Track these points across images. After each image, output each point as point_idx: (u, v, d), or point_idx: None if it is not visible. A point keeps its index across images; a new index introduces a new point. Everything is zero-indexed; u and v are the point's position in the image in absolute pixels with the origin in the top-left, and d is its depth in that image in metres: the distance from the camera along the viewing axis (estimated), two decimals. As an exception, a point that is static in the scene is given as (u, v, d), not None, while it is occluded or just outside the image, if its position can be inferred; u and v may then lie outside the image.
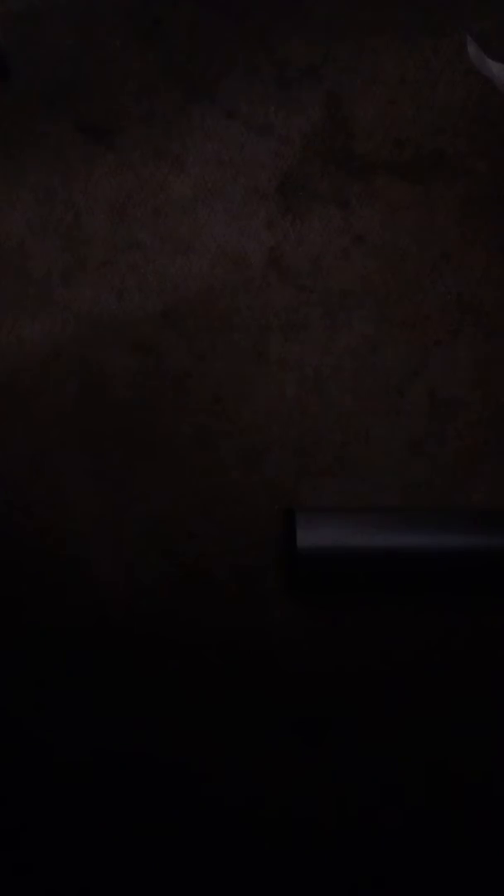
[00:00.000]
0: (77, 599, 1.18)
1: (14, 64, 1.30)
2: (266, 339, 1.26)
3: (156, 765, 1.16)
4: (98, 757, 1.15)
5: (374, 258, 1.29)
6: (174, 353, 1.25)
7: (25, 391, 1.23)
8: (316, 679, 1.18)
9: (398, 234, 1.30)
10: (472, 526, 1.19)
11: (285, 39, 1.33)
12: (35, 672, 1.16)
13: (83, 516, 1.20)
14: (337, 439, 1.24)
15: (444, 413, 1.25)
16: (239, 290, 1.27)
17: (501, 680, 1.20)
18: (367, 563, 1.18)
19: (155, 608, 1.19)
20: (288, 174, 1.30)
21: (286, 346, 1.26)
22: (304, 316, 1.27)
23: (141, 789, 1.15)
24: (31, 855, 1.14)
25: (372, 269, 1.29)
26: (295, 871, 1.15)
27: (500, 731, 1.19)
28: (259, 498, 1.22)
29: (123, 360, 1.24)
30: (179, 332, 1.25)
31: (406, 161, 1.31)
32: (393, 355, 1.27)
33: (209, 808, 1.15)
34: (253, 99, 1.32)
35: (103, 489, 1.21)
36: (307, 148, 1.31)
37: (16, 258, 1.26)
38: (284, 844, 1.15)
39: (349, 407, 1.25)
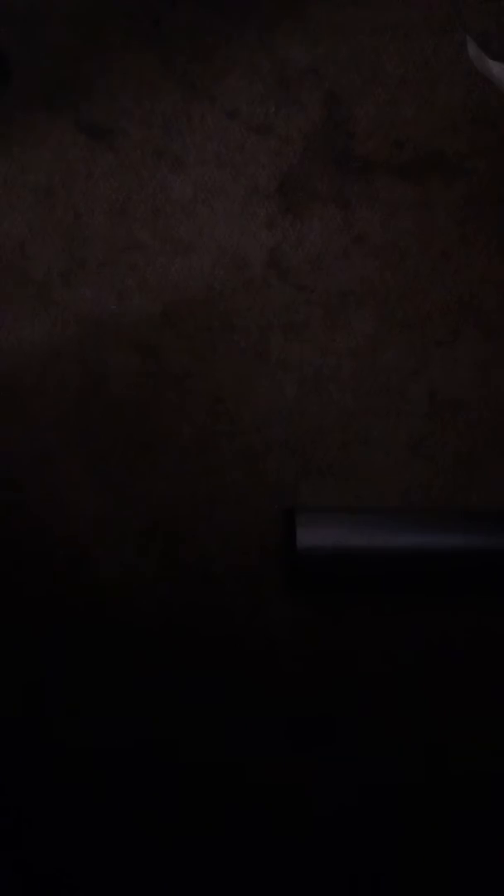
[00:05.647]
0: (77, 599, 1.18)
1: (14, 64, 1.30)
2: (266, 340, 1.26)
3: (156, 763, 1.16)
4: (97, 754, 1.15)
5: (374, 258, 1.29)
6: (174, 353, 1.25)
7: (25, 391, 1.23)
8: (316, 678, 1.18)
9: (398, 234, 1.30)
10: (472, 526, 1.19)
11: (285, 39, 1.33)
12: (34, 671, 1.16)
13: (83, 516, 1.20)
14: (337, 439, 1.24)
15: (444, 413, 1.25)
16: (239, 291, 1.27)
17: (502, 680, 1.20)
18: (367, 563, 1.18)
19: (155, 608, 1.19)
20: (288, 174, 1.30)
21: (286, 346, 1.26)
22: (304, 316, 1.27)
23: (140, 787, 1.15)
24: (31, 852, 1.14)
25: (372, 269, 1.29)
26: (294, 867, 1.15)
27: (502, 731, 1.19)
28: (259, 498, 1.22)
29: (123, 360, 1.24)
30: (179, 332, 1.25)
31: (406, 161, 1.31)
32: (393, 355, 1.27)
33: (208, 805, 1.15)
34: (253, 99, 1.32)
35: (103, 489, 1.21)
36: (307, 148, 1.31)
37: (16, 258, 1.26)
38: (284, 840, 1.15)
39: (349, 407, 1.25)
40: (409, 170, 1.31)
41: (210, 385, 1.24)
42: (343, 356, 1.26)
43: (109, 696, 1.16)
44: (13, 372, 1.23)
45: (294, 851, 1.15)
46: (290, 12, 1.34)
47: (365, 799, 1.16)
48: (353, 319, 1.27)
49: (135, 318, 1.26)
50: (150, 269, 1.27)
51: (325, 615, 1.19)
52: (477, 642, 1.20)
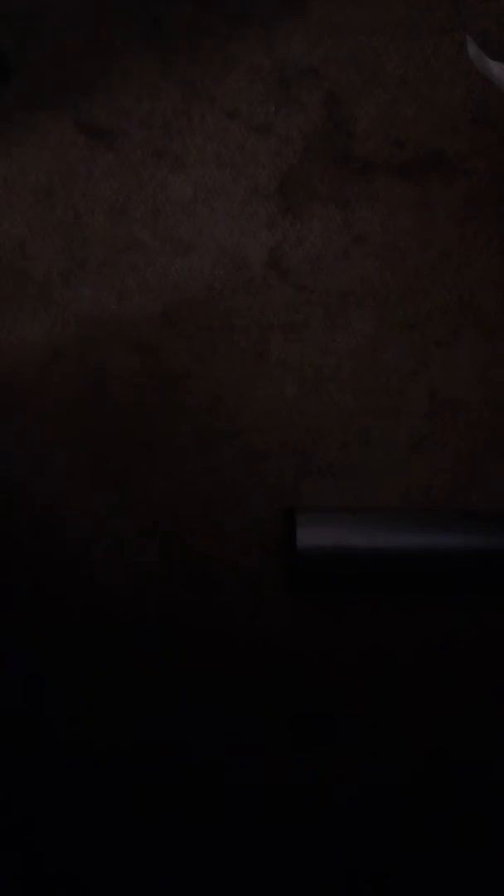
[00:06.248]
0: (77, 599, 1.18)
1: (14, 64, 1.30)
2: (266, 340, 1.26)
3: (156, 763, 1.16)
4: (97, 753, 1.15)
5: (374, 258, 1.29)
6: (174, 353, 1.25)
7: (25, 391, 1.23)
8: (317, 678, 1.18)
9: (398, 234, 1.30)
10: (472, 526, 1.19)
11: (285, 39, 1.33)
12: (34, 671, 1.16)
13: (83, 516, 1.20)
14: (337, 439, 1.24)
15: (444, 413, 1.25)
16: (239, 290, 1.27)
17: (502, 679, 1.20)
18: (367, 563, 1.18)
19: (154, 608, 1.19)
20: (288, 174, 1.30)
21: (286, 346, 1.26)
22: (304, 316, 1.27)
23: (140, 787, 1.15)
24: (32, 851, 1.14)
25: (372, 269, 1.29)
26: (294, 867, 1.15)
27: (502, 731, 1.19)
28: (259, 498, 1.22)
29: (123, 360, 1.24)
30: (179, 332, 1.25)
31: (406, 161, 1.31)
32: (393, 355, 1.27)
33: (208, 805, 1.15)
34: (253, 99, 1.32)
35: (103, 489, 1.21)
36: (307, 148, 1.31)
37: (16, 258, 1.26)
38: (284, 840, 1.15)
39: (349, 407, 1.25)
40: (409, 170, 1.31)
41: (210, 385, 1.24)
42: (343, 356, 1.26)
43: (110, 695, 1.16)
44: (13, 371, 1.23)
45: (294, 851, 1.15)
46: (290, 12, 1.34)
47: (365, 799, 1.16)
48: (353, 319, 1.27)
49: (135, 318, 1.26)
50: (150, 269, 1.27)
51: (325, 615, 1.19)
52: (477, 642, 1.20)
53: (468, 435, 1.25)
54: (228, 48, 1.33)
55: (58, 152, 1.29)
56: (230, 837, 1.15)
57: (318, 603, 1.20)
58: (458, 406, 1.26)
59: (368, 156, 1.31)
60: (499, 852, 1.16)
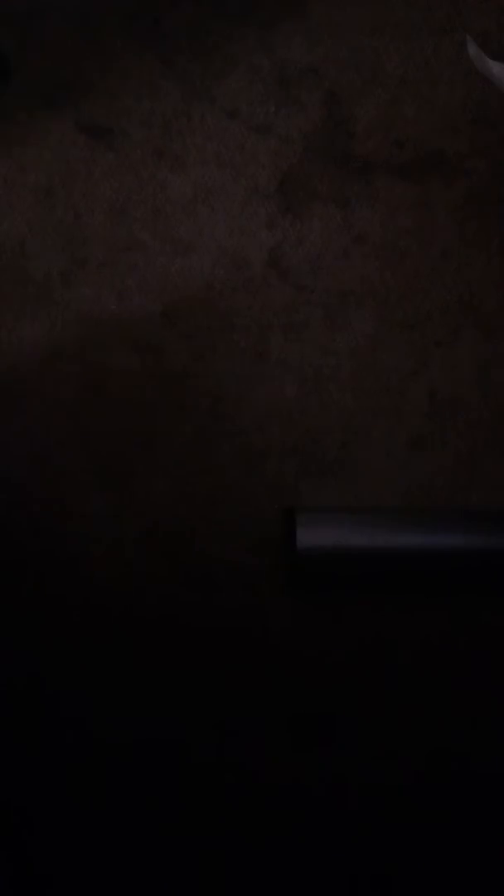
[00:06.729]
0: (77, 599, 1.18)
1: (14, 64, 1.30)
2: (266, 339, 1.26)
3: (156, 763, 1.16)
4: (96, 753, 1.15)
5: (374, 258, 1.29)
6: (174, 353, 1.25)
7: (25, 391, 1.23)
8: (316, 677, 1.18)
9: (398, 234, 1.30)
10: (472, 526, 1.19)
11: (285, 39, 1.33)
12: (34, 671, 1.16)
13: (83, 516, 1.20)
14: (337, 439, 1.24)
15: (444, 413, 1.25)
16: (239, 290, 1.27)
17: (502, 679, 1.20)
18: (367, 563, 1.18)
19: (155, 608, 1.19)
20: (288, 174, 1.30)
21: (286, 346, 1.26)
22: (304, 316, 1.27)
23: (140, 787, 1.15)
24: (31, 852, 1.14)
25: (372, 269, 1.29)
26: (294, 867, 1.15)
27: (502, 731, 1.19)
28: (259, 498, 1.22)
29: (123, 360, 1.24)
30: (179, 332, 1.25)
31: (406, 161, 1.31)
32: (393, 355, 1.27)
33: (208, 805, 1.15)
34: (253, 99, 1.32)
35: (103, 489, 1.21)
36: (307, 148, 1.31)
37: (16, 258, 1.26)
38: (284, 840, 1.15)
39: (349, 407, 1.25)
40: (409, 170, 1.31)
41: (210, 385, 1.24)
42: (343, 356, 1.26)
43: (109, 695, 1.16)
44: (13, 372, 1.23)
45: (294, 851, 1.15)
46: (290, 12, 1.34)
47: (365, 799, 1.16)
48: (353, 319, 1.27)
49: (135, 318, 1.26)
50: (150, 269, 1.27)
51: (325, 614, 1.19)
52: (477, 642, 1.20)
53: (468, 435, 1.25)
54: (228, 48, 1.33)
55: (58, 152, 1.29)
56: (230, 837, 1.15)
57: (318, 603, 1.20)
58: (458, 406, 1.26)
59: (368, 156, 1.31)
60: (499, 852, 1.16)
